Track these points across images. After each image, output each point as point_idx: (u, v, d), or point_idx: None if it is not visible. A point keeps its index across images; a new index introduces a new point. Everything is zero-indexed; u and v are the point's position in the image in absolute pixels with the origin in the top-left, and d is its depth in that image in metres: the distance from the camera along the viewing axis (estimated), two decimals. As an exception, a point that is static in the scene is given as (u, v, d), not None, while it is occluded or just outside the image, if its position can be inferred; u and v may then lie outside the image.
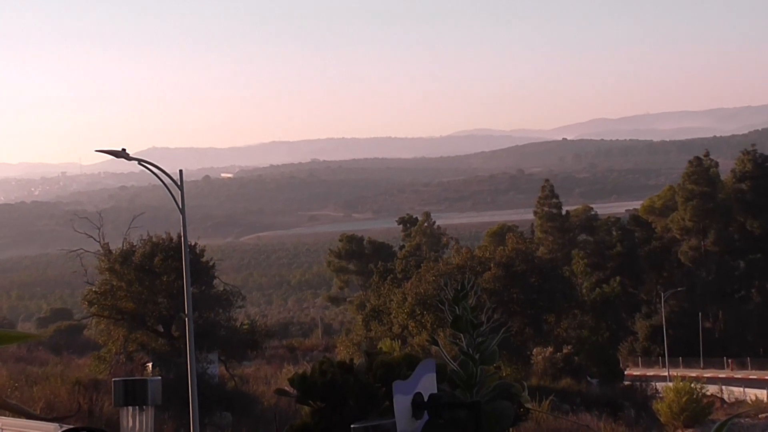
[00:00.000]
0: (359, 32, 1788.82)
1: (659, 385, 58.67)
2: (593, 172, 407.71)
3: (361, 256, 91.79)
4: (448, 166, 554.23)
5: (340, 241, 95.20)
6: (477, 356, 3.89)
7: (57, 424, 19.52)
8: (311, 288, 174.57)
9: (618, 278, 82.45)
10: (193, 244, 44.01)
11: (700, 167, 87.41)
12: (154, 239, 44.24)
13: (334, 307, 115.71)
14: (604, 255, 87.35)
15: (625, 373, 64.27)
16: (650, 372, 74.17)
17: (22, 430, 19.58)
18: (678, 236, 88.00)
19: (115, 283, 42.76)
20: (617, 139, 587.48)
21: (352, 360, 8.56)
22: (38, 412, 26.64)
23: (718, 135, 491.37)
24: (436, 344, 4.29)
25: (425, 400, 3.42)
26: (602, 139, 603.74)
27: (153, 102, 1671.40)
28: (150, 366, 41.04)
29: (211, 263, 45.28)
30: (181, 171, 27.25)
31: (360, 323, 66.92)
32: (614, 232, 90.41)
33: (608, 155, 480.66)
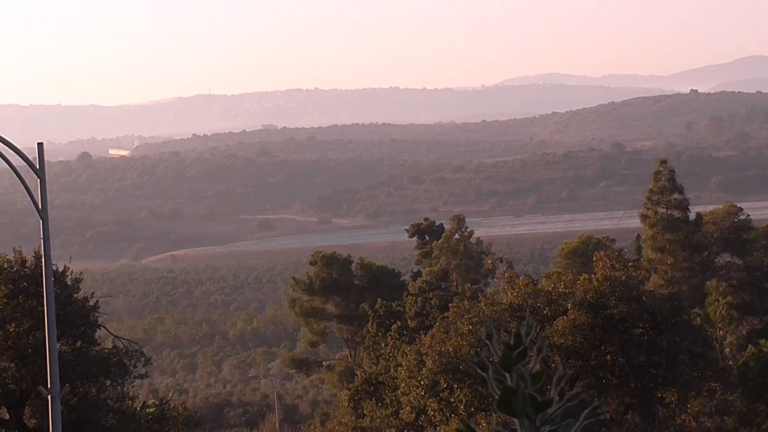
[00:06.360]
0: None
1: None
2: (743, 148, 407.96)
3: (347, 289, 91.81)
4: (496, 137, 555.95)
5: (313, 264, 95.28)
6: (543, 459, 3.90)
7: None
8: (262, 344, 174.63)
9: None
10: (61, 269, 43.94)
11: None
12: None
13: (301, 376, 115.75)
14: (763, 290, 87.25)
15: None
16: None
17: None
18: None
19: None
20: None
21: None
22: None
23: None
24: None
25: None
26: (759, 92, 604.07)
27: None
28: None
29: (92, 302, 45.25)
30: (41, 144, 27.24)
31: (345, 404, 67.01)
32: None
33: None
